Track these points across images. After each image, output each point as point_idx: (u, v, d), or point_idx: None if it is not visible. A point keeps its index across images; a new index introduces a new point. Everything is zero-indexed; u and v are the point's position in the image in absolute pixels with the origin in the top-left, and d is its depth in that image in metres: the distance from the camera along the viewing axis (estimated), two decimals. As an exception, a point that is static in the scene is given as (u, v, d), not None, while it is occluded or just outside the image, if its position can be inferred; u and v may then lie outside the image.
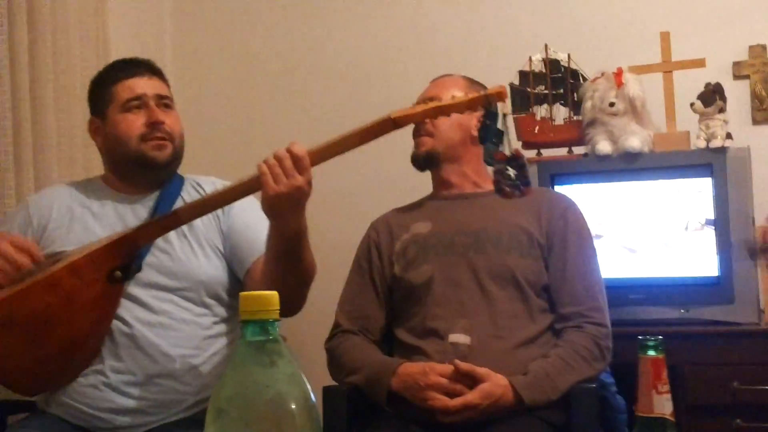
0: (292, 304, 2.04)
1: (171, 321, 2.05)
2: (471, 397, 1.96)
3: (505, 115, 1.90)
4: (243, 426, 0.86)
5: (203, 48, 3.44)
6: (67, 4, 2.84)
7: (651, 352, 1.13)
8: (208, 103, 3.45)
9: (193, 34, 3.50)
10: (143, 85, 2.14)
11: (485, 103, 1.92)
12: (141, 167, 2.14)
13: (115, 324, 2.01)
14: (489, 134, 1.89)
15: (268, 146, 3.35)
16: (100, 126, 2.18)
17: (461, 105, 1.93)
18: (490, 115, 1.88)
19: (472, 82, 2.34)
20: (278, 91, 3.48)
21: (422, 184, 2.38)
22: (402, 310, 2.24)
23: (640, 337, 1.13)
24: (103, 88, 2.18)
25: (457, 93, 2.24)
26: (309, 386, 0.90)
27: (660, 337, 1.13)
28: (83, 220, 2.13)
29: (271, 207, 1.87)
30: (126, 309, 2.02)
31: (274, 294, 0.90)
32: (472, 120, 2.27)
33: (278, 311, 0.90)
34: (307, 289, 2.08)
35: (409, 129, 2.33)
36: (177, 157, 2.18)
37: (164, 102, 2.16)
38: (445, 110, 1.95)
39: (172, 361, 2.02)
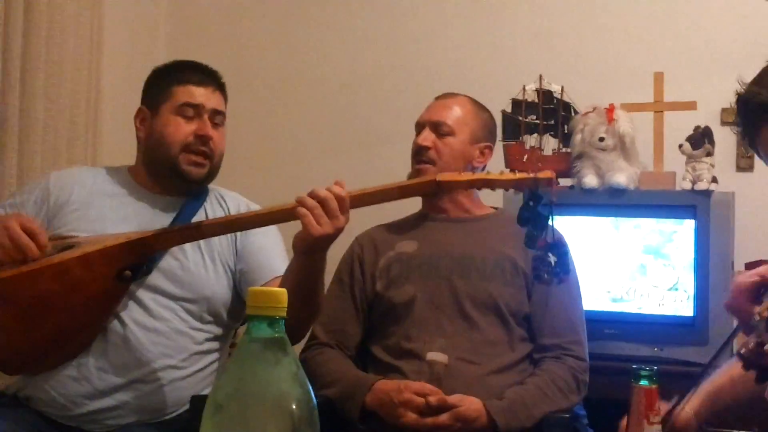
0: (296, 335, 2.02)
1: (167, 329, 2.03)
2: (444, 418, 1.97)
3: (552, 201, 1.87)
4: (241, 423, 0.84)
5: (197, 48, 3.42)
6: (65, -4, 2.83)
7: (644, 382, 1.14)
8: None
9: (187, 36, 3.49)
10: (204, 96, 2.12)
11: (533, 186, 1.88)
12: (173, 174, 2.11)
13: (112, 322, 1.99)
14: (532, 217, 1.85)
15: (258, 151, 3.40)
16: (147, 118, 2.15)
17: (508, 183, 1.92)
18: (535, 198, 1.86)
19: (477, 105, 2.34)
20: (270, 100, 3.47)
21: (409, 201, 2.37)
22: (380, 328, 2.23)
23: (634, 366, 1.14)
24: (164, 84, 2.15)
25: (461, 115, 2.27)
26: (313, 388, 0.89)
27: (655, 367, 1.13)
28: (100, 209, 2.10)
29: (309, 246, 1.86)
30: (125, 309, 2.01)
31: (282, 291, 0.89)
32: (474, 151, 2.28)
33: (285, 309, 0.89)
34: (312, 323, 2.10)
35: (404, 145, 2.34)
36: (211, 175, 2.16)
37: (217, 119, 2.14)
38: (491, 184, 1.95)
39: (158, 369, 2.01)
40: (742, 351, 1.30)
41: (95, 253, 1.89)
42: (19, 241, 1.86)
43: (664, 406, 1.51)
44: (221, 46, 3.47)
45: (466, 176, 1.98)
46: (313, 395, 0.88)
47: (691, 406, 1.60)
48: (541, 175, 1.91)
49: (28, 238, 1.87)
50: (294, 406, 0.86)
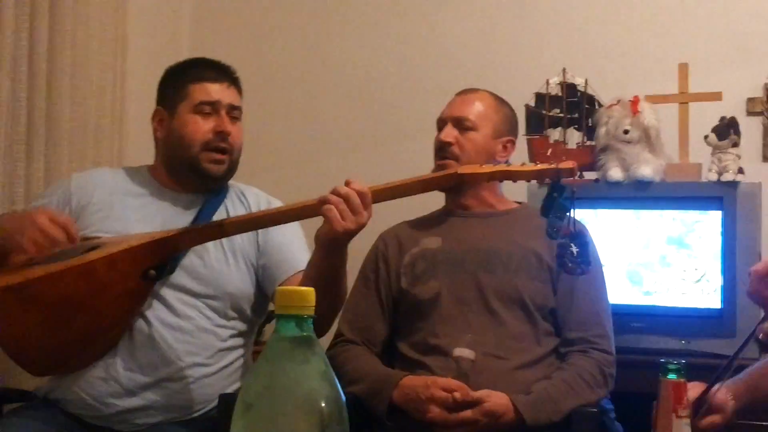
0: (319, 329, 2.04)
1: (191, 327, 2.06)
2: (471, 413, 1.97)
3: (573, 192, 1.86)
4: (272, 422, 0.85)
5: (220, 47, 3.45)
6: (90, -1, 2.85)
7: (672, 376, 1.13)
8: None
9: (210, 36, 3.51)
10: (220, 92, 2.14)
11: (554, 177, 1.88)
12: (193, 173, 2.13)
13: (137, 321, 2.01)
14: (554, 208, 1.85)
15: (280, 147, 3.42)
16: (165, 118, 2.16)
17: (529, 174, 1.93)
18: (557, 188, 1.85)
19: (498, 100, 2.34)
20: (293, 96, 3.49)
21: (432, 197, 2.37)
22: (406, 324, 2.23)
23: (662, 360, 1.14)
24: (179, 83, 2.16)
25: (482, 110, 2.27)
26: (340, 385, 0.89)
27: (683, 361, 1.13)
28: (122, 210, 2.13)
29: (331, 241, 1.90)
30: (150, 308, 2.03)
31: (310, 290, 0.90)
32: (497, 145, 2.28)
33: (314, 308, 0.90)
34: (336, 316, 2.12)
35: (427, 141, 2.34)
36: (231, 170, 2.17)
37: (234, 114, 2.16)
38: (513, 175, 1.96)
39: (185, 367, 2.03)
40: (761, 336, 1.30)
41: (120, 254, 1.92)
42: (51, 233, 1.88)
43: (699, 387, 1.49)
44: (244, 44, 3.48)
45: (488, 168, 1.99)
46: (341, 393, 0.89)
47: (730, 388, 1.59)
48: (563, 165, 1.91)
49: (59, 229, 1.89)
50: (323, 404, 0.87)
